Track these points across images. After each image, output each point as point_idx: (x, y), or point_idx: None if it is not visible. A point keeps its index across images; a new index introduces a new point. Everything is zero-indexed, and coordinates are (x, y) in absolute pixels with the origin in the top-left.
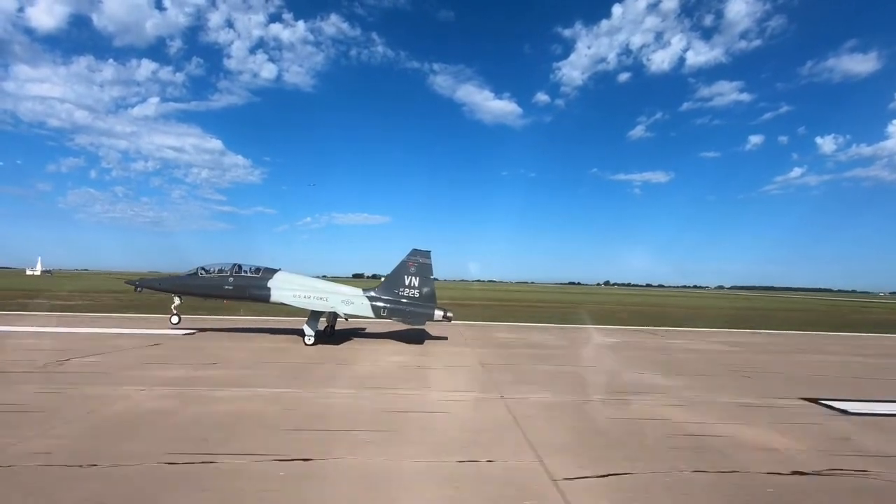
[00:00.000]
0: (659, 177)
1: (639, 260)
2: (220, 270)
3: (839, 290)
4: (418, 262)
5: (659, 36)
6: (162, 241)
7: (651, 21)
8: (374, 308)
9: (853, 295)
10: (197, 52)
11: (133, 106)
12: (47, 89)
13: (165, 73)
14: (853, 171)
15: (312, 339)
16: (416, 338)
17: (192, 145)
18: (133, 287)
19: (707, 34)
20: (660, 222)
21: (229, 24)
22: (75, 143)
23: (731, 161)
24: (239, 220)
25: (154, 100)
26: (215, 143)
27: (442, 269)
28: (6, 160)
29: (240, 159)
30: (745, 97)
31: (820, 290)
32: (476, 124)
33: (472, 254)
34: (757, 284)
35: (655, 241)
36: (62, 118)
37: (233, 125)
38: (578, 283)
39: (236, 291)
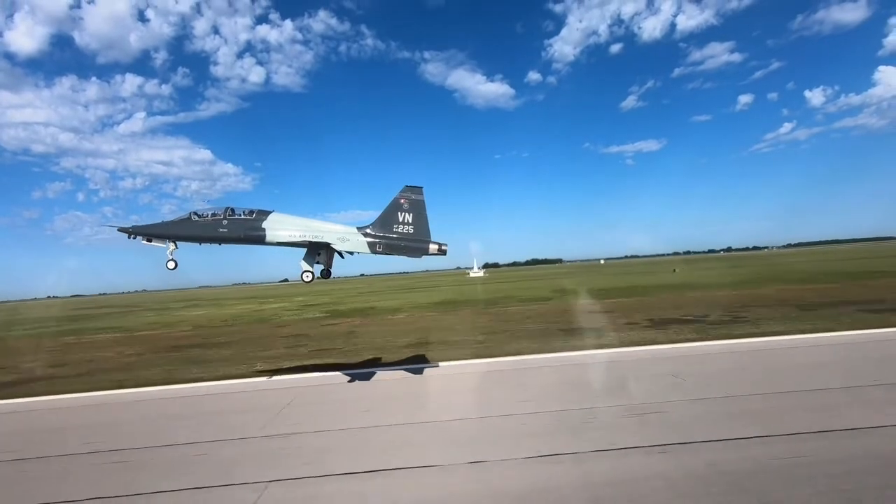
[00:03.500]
0: (651, 145)
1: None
2: (214, 214)
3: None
4: (411, 198)
5: (650, 3)
6: (151, 259)
7: None
8: (370, 244)
9: None
10: (183, 62)
11: (119, 123)
12: (30, 114)
13: (151, 86)
14: (842, 121)
15: (311, 276)
16: None
17: (182, 158)
18: (126, 234)
19: None
20: (685, 189)
21: (215, 30)
22: (61, 167)
23: (722, 123)
24: None
25: (140, 115)
26: (205, 154)
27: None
28: None
29: (230, 167)
30: (736, 57)
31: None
32: (468, 110)
33: (470, 238)
34: (820, 239)
35: (695, 206)
36: (47, 143)
37: (222, 134)
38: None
39: (231, 234)
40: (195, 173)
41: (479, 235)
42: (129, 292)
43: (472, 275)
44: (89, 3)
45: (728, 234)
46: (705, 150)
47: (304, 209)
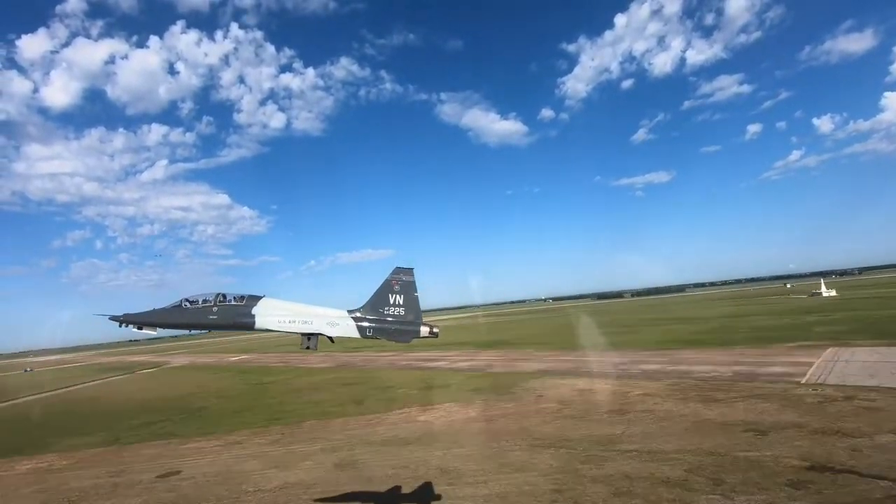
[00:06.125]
0: (661, 176)
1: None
2: (205, 301)
3: None
4: (402, 279)
5: (661, 40)
6: (164, 302)
7: (653, 27)
8: (360, 328)
9: None
10: (208, 111)
11: (142, 171)
12: (58, 166)
13: (176, 134)
14: (852, 147)
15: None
16: None
17: (200, 203)
18: (117, 323)
19: (707, 32)
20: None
21: (241, 79)
22: (82, 216)
23: (731, 153)
24: (244, 272)
25: (163, 163)
26: (222, 198)
27: (446, 295)
28: (13, 241)
29: (246, 211)
30: (745, 89)
31: None
32: (482, 148)
33: (482, 272)
34: (832, 268)
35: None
36: (71, 192)
37: (240, 178)
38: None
39: (221, 320)
40: (212, 218)
41: (491, 270)
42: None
43: (824, 294)
44: (123, 58)
45: (739, 262)
46: (715, 179)
47: (318, 250)
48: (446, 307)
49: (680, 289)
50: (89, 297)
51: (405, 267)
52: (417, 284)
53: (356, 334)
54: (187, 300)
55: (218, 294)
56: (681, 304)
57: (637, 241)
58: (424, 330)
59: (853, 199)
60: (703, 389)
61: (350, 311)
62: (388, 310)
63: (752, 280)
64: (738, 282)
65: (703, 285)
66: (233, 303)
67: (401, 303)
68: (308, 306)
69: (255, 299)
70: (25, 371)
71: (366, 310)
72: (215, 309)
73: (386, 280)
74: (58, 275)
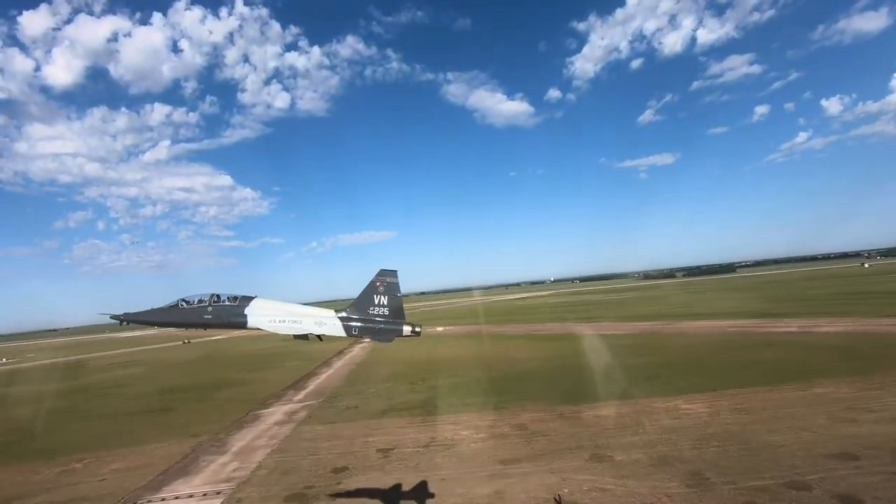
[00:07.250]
0: (665, 159)
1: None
2: (200, 301)
3: None
4: (386, 281)
5: (672, 18)
6: (165, 283)
7: (666, 4)
8: (346, 328)
9: None
10: (211, 91)
11: (145, 152)
12: (60, 146)
13: (179, 114)
14: (859, 129)
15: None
16: None
17: (203, 184)
18: (118, 322)
19: (720, 10)
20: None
21: (245, 58)
22: (85, 197)
23: (738, 134)
24: (245, 254)
25: (165, 143)
26: (225, 180)
27: (444, 277)
28: (15, 222)
29: (248, 192)
30: (755, 69)
31: None
32: (488, 129)
33: (481, 258)
34: (833, 252)
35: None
36: (73, 173)
37: (243, 159)
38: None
39: (215, 320)
40: (214, 199)
41: (493, 252)
42: None
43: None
44: (126, 35)
45: (742, 245)
46: (720, 161)
47: (320, 231)
48: (443, 289)
49: (729, 269)
50: (91, 276)
51: (389, 269)
52: (414, 270)
53: (342, 333)
54: (184, 300)
55: (212, 295)
56: (813, 280)
57: (643, 222)
58: (407, 329)
59: (858, 182)
60: None
61: (337, 311)
62: (373, 309)
63: (775, 262)
64: (757, 264)
65: (734, 266)
66: (226, 303)
67: (385, 303)
68: (298, 306)
69: (247, 300)
70: (184, 343)
71: (352, 310)
72: (210, 309)
73: (371, 282)
74: (59, 256)
